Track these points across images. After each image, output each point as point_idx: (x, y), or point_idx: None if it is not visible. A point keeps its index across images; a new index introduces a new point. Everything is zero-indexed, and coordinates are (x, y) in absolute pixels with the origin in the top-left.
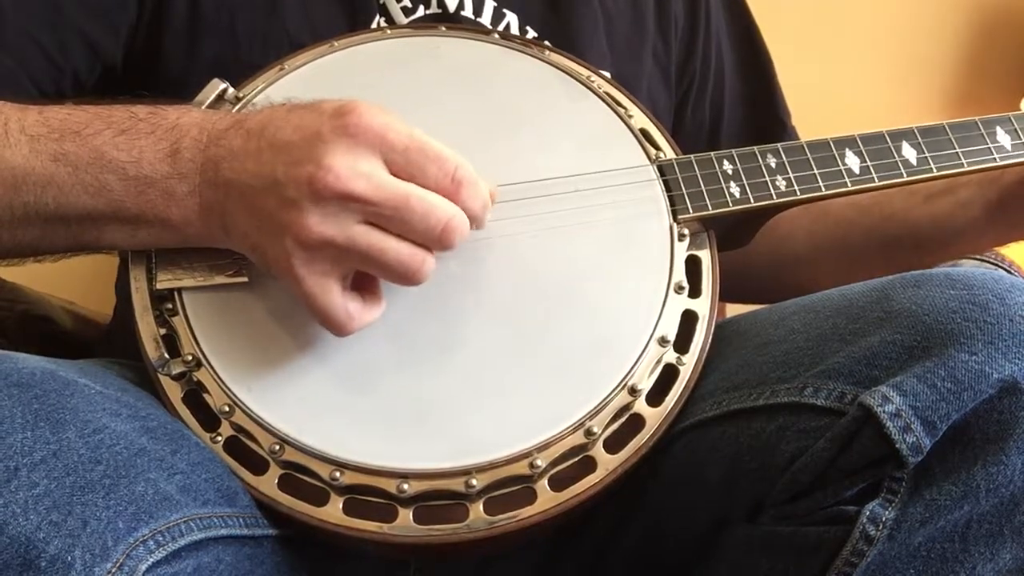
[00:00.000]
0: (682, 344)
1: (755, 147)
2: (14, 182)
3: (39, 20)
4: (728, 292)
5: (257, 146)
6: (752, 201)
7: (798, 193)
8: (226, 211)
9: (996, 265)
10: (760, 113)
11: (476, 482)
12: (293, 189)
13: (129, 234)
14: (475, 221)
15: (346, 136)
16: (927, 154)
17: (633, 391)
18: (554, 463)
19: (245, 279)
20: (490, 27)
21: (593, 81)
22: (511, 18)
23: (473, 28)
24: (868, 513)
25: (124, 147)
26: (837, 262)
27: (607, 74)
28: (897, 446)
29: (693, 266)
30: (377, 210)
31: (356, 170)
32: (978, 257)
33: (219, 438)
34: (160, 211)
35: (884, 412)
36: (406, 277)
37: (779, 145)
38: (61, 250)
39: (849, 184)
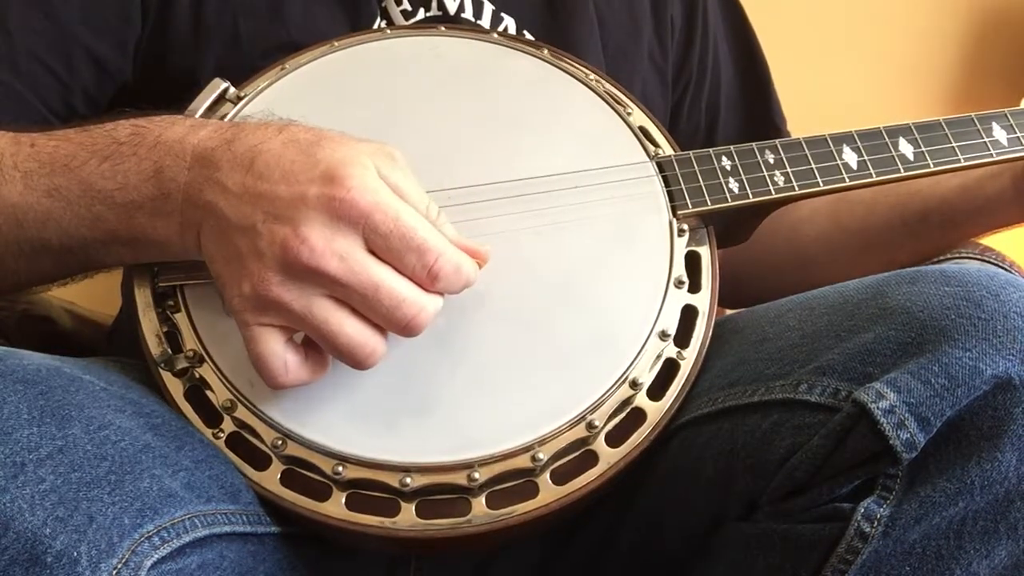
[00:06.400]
0: (682, 339)
1: (753, 143)
2: (15, 219)
3: (45, 41)
4: (747, 293)
5: (243, 181)
6: (751, 196)
7: (796, 189)
8: (201, 231)
9: (996, 264)
10: (756, 118)
11: (478, 476)
12: (266, 244)
13: (131, 253)
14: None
15: (329, 209)
16: (923, 149)
17: (634, 385)
18: (556, 457)
19: None
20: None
21: (592, 79)
22: (509, 22)
23: (473, 28)
24: (863, 510)
25: (109, 175)
26: (861, 243)
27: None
28: (891, 442)
29: (693, 261)
30: (345, 291)
31: (331, 248)
32: (978, 256)
33: (221, 434)
34: (148, 232)
35: (878, 408)
36: (352, 362)
37: (777, 141)
38: (78, 272)
39: (847, 179)
